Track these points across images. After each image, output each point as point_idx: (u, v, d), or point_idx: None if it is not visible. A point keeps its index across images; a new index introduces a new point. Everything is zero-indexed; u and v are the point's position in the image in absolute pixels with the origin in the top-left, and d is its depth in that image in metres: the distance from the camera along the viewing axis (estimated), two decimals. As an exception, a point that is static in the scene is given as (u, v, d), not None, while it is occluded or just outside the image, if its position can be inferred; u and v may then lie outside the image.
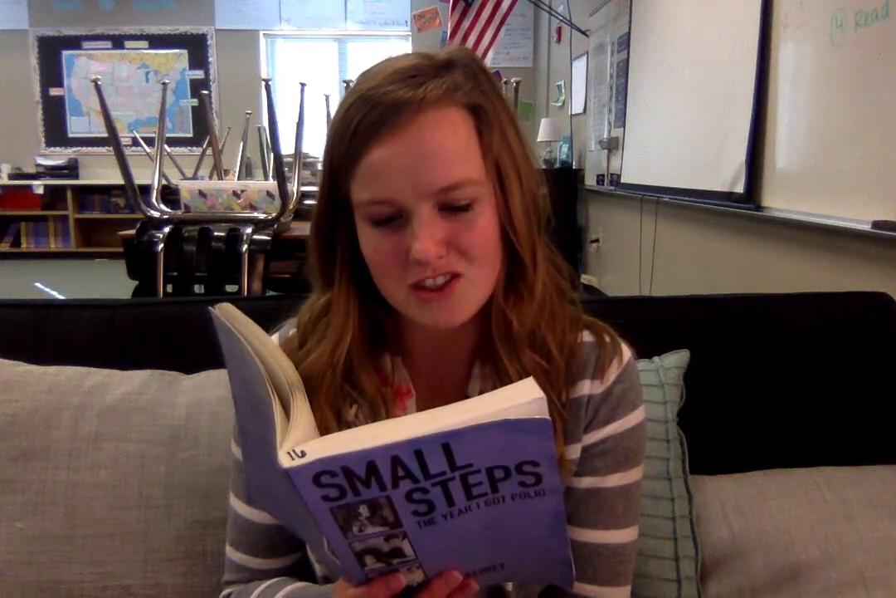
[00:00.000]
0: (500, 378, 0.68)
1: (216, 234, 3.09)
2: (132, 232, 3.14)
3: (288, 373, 0.57)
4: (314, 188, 4.51)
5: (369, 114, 0.60)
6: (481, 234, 0.63)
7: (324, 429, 0.66)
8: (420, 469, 0.49)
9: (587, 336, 0.72)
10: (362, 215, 0.63)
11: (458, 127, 0.61)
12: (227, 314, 0.57)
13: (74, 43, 7.19)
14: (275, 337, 0.76)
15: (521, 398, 0.49)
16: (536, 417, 0.48)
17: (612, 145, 4.33)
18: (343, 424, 0.68)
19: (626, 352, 0.73)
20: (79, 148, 7.32)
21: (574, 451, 0.70)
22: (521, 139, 0.67)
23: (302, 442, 0.50)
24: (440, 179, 0.60)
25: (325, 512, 0.50)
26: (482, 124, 0.63)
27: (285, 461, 0.48)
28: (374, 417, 0.69)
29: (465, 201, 0.62)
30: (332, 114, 0.66)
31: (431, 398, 0.72)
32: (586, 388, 0.70)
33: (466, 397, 0.71)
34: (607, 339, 0.72)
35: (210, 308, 0.58)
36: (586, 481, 0.71)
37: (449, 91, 0.61)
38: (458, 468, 0.50)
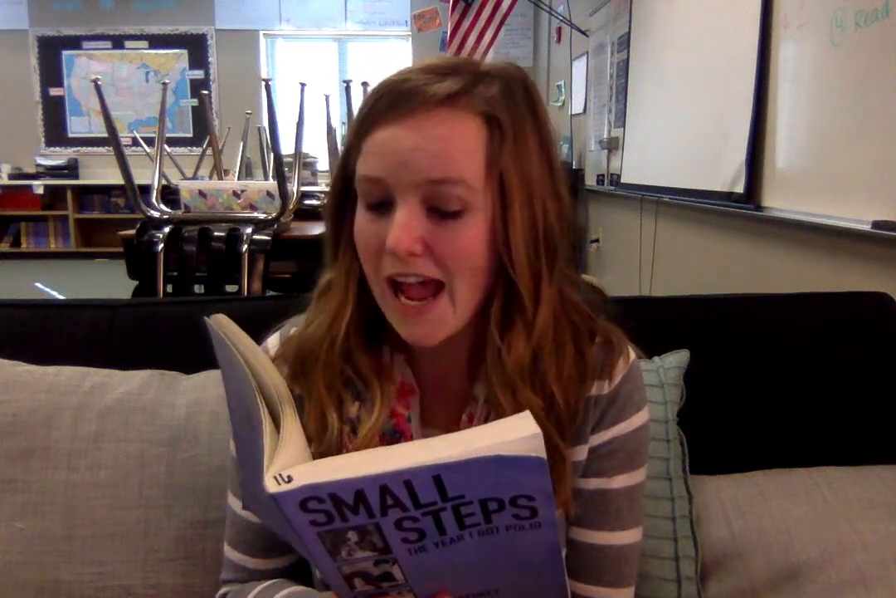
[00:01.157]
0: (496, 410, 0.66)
1: (216, 234, 3.09)
2: (132, 232, 3.13)
3: (279, 389, 0.57)
4: (314, 188, 4.53)
5: (383, 97, 0.61)
6: (463, 245, 0.61)
7: (320, 414, 0.66)
8: (410, 499, 0.48)
9: (594, 338, 0.72)
10: (359, 193, 0.63)
11: (467, 132, 0.60)
12: (221, 326, 0.57)
13: (74, 43, 7.19)
14: (276, 336, 0.76)
15: (517, 434, 0.48)
16: (531, 454, 0.47)
17: (612, 145, 4.32)
18: (345, 421, 0.68)
19: (632, 353, 0.72)
20: (79, 148, 7.32)
21: (581, 452, 0.70)
22: (549, 167, 0.64)
23: (290, 466, 0.49)
24: (431, 169, 0.59)
25: (312, 536, 0.49)
26: (494, 136, 0.61)
27: (271, 486, 0.47)
28: (375, 411, 0.68)
29: (455, 205, 0.60)
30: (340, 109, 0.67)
31: (436, 398, 0.72)
32: (594, 388, 0.70)
33: (473, 398, 0.70)
34: (615, 340, 0.71)
35: (205, 318, 0.58)
36: (593, 483, 0.71)
37: (472, 98, 0.60)
38: (450, 499, 0.49)
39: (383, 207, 0.62)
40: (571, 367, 0.67)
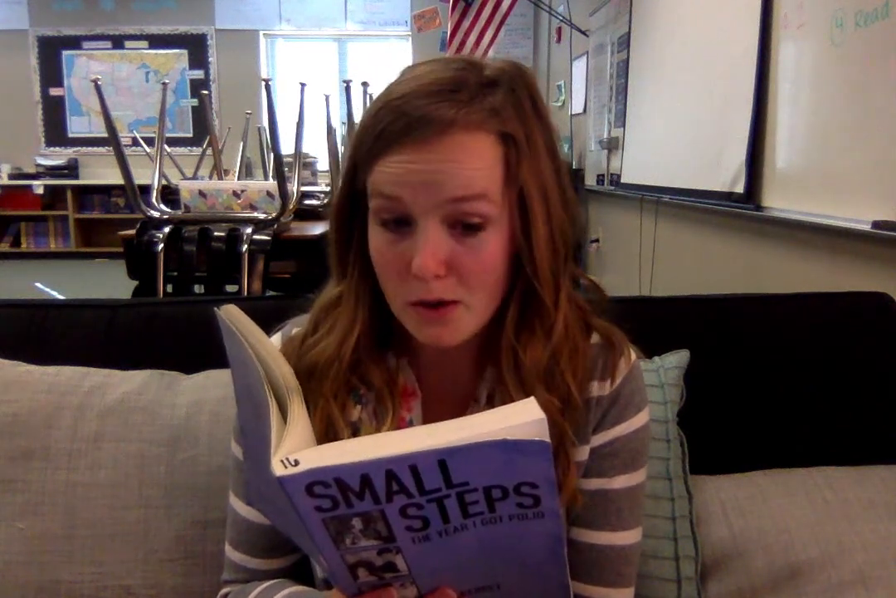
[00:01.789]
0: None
1: (216, 234, 3.09)
2: (132, 232, 3.13)
3: (287, 379, 0.57)
4: (314, 188, 4.53)
5: (396, 121, 0.59)
6: (484, 261, 0.61)
7: (325, 421, 0.66)
8: (415, 485, 0.48)
9: (594, 338, 0.72)
10: (372, 211, 0.63)
11: (484, 152, 0.60)
12: (231, 316, 0.57)
13: (74, 43, 7.19)
14: (277, 336, 0.76)
15: (522, 418, 0.48)
16: (536, 438, 0.47)
17: (612, 145, 4.32)
18: (347, 424, 0.68)
19: (633, 354, 0.73)
20: (79, 148, 7.32)
21: (583, 452, 0.70)
22: (557, 169, 0.65)
23: (296, 450, 0.49)
24: (453, 189, 0.59)
25: (317, 522, 0.49)
26: (511, 154, 0.61)
27: (278, 469, 0.47)
28: (379, 417, 0.69)
29: (476, 219, 0.60)
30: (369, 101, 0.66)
31: (438, 400, 0.72)
32: (594, 389, 0.70)
33: (475, 399, 0.70)
34: (615, 341, 0.71)
35: (215, 309, 0.58)
36: (594, 483, 0.71)
37: (484, 117, 0.60)
38: (455, 486, 0.49)
39: (401, 224, 0.61)
40: (584, 364, 0.69)
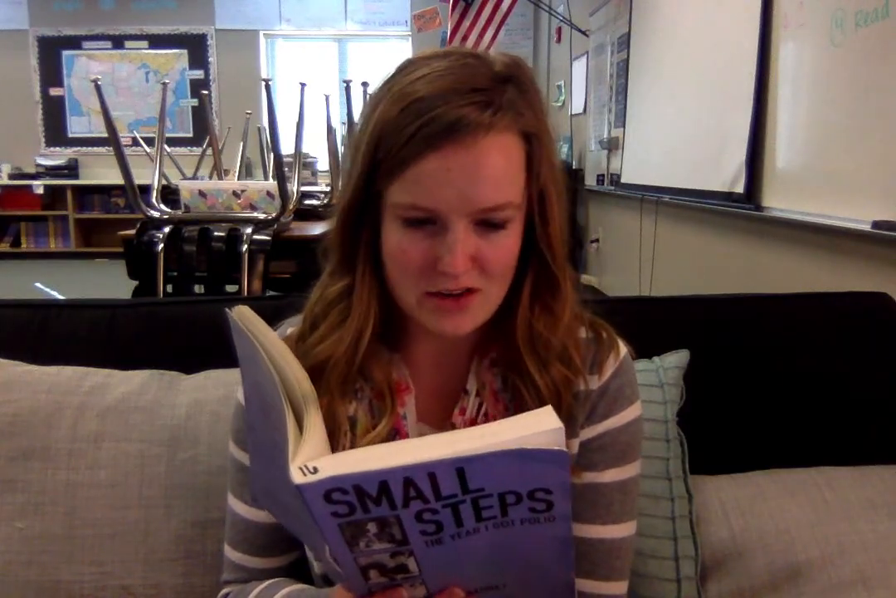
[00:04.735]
0: (528, 391, 0.68)
1: (216, 234, 3.08)
2: (132, 232, 3.13)
3: (302, 383, 0.57)
4: (314, 188, 4.52)
5: (428, 125, 0.58)
6: (504, 253, 0.63)
7: (329, 416, 0.66)
8: (432, 491, 0.49)
9: (583, 332, 0.73)
10: (395, 215, 0.62)
11: (512, 153, 0.62)
12: (243, 318, 0.57)
13: (74, 43, 7.19)
14: (274, 337, 0.76)
15: (540, 427, 0.49)
16: (554, 448, 0.48)
17: (612, 145, 4.33)
18: (346, 419, 0.68)
19: (623, 348, 0.73)
20: (79, 148, 7.32)
21: (572, 446, 0.71)
22: (554, 148, 0.67)
23: (314, 458, 0.50)
24: (486, 200, 0.60)
25: (333, 527, 0.50)
26: (533, 151, 0.63)
27: (297, 477, 0.48)
28: (375, 411, 0.69)
29: (502, 219, 0.62)
30: (370, 100, 0.65)
31: (429, 395, 0.72)
32: (583, 383, 0.71)
33: (465, 392, 0.71)
34: (604, 335, 0.72)
35: (226, 310, 0.58)
36: (584, 476, 0.71)
37: (512, 118, 0.61)
38: (471, 492, 0.50)
39: (423, 223, 0.62)
40: (580, 353, 0.71)
